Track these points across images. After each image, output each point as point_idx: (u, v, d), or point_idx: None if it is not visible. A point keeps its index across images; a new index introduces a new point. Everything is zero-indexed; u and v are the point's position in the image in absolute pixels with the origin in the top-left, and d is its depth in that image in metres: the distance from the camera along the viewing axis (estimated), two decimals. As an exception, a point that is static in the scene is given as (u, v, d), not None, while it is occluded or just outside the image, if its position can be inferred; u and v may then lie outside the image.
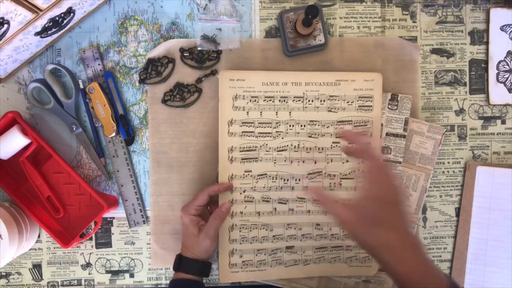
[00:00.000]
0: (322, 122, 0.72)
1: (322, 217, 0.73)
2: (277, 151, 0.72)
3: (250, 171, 0.71)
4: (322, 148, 0.72)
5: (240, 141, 0.71)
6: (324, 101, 0.72)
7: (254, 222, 0.71)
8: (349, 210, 0.52)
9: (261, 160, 0.72)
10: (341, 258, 0.73)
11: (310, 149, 0.72)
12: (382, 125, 0.73)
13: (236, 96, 0.71)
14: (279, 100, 0.72)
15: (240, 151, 0.71)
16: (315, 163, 0.72)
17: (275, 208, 0.72)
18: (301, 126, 0.72)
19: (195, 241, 0.66)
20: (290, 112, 0.72)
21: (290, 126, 0.72)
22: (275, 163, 0.72)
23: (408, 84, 0.75)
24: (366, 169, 0.55)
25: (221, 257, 0.71)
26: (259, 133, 0.72)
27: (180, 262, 0.66)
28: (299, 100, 0.72)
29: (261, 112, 0.71)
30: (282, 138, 0.72)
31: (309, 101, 0.72)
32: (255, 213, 0.72)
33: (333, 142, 0.73)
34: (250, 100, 0.71)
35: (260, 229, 0.72)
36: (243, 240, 0.71)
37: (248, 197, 0.71)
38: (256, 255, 0.71)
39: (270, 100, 0.71)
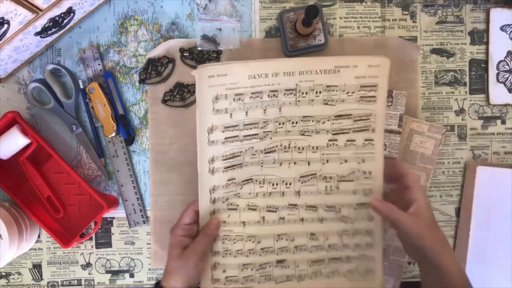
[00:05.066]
0: (317, 118, 0.63)
1: (317, 225, 0.64)
2: (264, 153, 0.63)
3: (234, 179, 0.63)
4: (317, 147, 0.63)
5: (223, 149, 0.62)
6: (320, 92, 0.62)
7: (238, 233, 0.63)
8: (414, 218, 0.57)
9: (246, 165, 0.63)
10: (340, 271, 0.65)
11: (303, 148, 0.63)
12: None
13: (217, 96, 0.61)
14: (268, 95, 0.62)
15: (223, 160, 0.62)
16: (309, 164, 0.64)
17: (263, 217, 0.64)
18: (292, 123, 0.63)
19: (180, 261, 0.58)
20: (280, 108, 0.62)
21: (279, 124, 0.63)
22: (262, 166, 0.63)
23: (408, 84, 0.75)
24: (411, 179, 0.59)
25: (204, 271, 0.63)
26: (244, 136, 0.62)
27: None
28: (291, 93, 0.62)
29: (246, 112, 0.62)
30: (270, 138, 0.63)
31: (302, 93, 0.62)
32: (239, 222, 0.63)
33: (330, 140, 0.63)
34: (234, 99, 0.62)
35: (246, 241, 0.63)
36: (226, 253, 0.63)
37: (231, 204, 0.63)
38: (242, 270, 0.63)
39: (258, 96, 0.62)
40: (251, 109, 0.62)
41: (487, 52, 0.76)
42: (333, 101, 0.63)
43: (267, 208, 0.64)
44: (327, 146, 0.64)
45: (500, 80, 0.76)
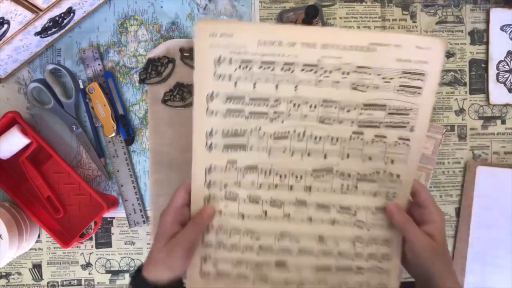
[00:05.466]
0: (342, 104, 0.52)
1: (328, 228, 0.56)
2: (274, 138, 0.54)
3: (235, 162, 0.54)
4: (337, 139, 0.53)
5: (223, 123, 0.53)
6: (348, 73, 0.51)
7: (235, 226, 0.55)
8: (428, 239, 0.52)
9: (250, 149, 0.54)
10: (349, 283, 0.56)
11: (320, 138, 0.53)
12: None
13: (220, 59, 0.51)
14: (282, 68, 0.51)
15: (223, 137, 0.54)
16: (325, 157, 0.54)
17: (266, 212, 0.55)
18: (311, 106, 0.53)
19: (166, 250, 0.52)
20: (296, 86, 0.52)
21: (294, 105, 0.53)
22: (269, 153, 0.54)
23: (408, 84, 0.75)
24: (427, 198, 0.54)
25: (191, 262, 0.55)
26: (250, 112, 0.53)
27: (138, 285, 0.52)
28: (311, 70, 0.51)
29: (254, 84, 0.52)
30: (282, 121, 0.53)
31: (325, 72, 0.51)
32: (238, 215, 0.55)
33: (354, 133, 0.53)
34: (240, 66, 0.51)
35: (243, 235, 0.55)
36: (219, 246, 0.55)
37: (230, 193, 0.55)
38: (236, 267, 0.55)
39: (269, 67, 0.52)
40: (260, 82, 0.52)
41: (487, 52, 0.76)
42: (363, 86, 0.52)
43: (270, 202, 0.55)
44: (350, 139, 0.53)
45: (500, 80, 0.76)
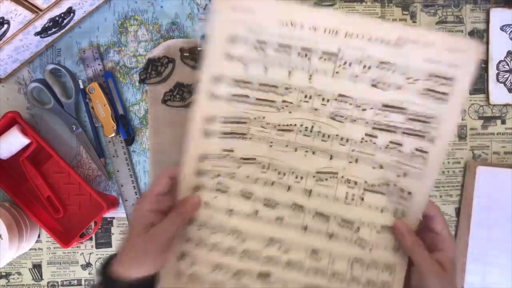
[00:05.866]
0: (358, 101, 0.47)
1: (324, 241, 0.48)
2: (278, 130, 0.48)
3: (232, 151, 0.48)
4: (347, 140, 0.47)
5: (225, 108, 0.47)
6: (369, 68, 0.45)
7: (221, 223, 0.48)
8: (438, 267, 0.46)
9: (250, 138, 0.48)
10: None
11: (328, 136, 0.48)
12: None
13: (234, 37, 0.45)
14: (299, 54, 0.46)
15: (223, 123, 0.47)
16: (331, 158, 0.48)
17: (257, 211, 0.48)
18: (323, 100, 0.47)
19: (144, 243, 0.45)
20: (311, 76, 0.46)
21: (305, 96, 0.47)
22: (271, 146, 0.48)
23: (408, 84, 0.75)
24: (442, 225, 0.48)
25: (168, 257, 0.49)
26: (256, 99, 0.47)
27: (106, 282, 0.45)
28: (329, 59, 0.45)
29: (266, 68, 0.46)
30: (290, 112, 0.47)
31: (345, 62, 0.45)
32: (225, 210, 0.48)
33: (367, 135, 0.47)
34: (255, 47, 0.46)
35: (228, 234, 0.48)
36: (200, 243, 0.48)
37: (221, 184, 0.48)
38: (213, 271, 0.48)
39: (285, 51, 0.46)
40: (273, 67, 0.46)
41: (487, 52, 0.76)
42: (385, 84, 0.46)
43: (264, 200, 0.48)
44: (361, 142, 0.47)
45: (500, 80, 0.76)
